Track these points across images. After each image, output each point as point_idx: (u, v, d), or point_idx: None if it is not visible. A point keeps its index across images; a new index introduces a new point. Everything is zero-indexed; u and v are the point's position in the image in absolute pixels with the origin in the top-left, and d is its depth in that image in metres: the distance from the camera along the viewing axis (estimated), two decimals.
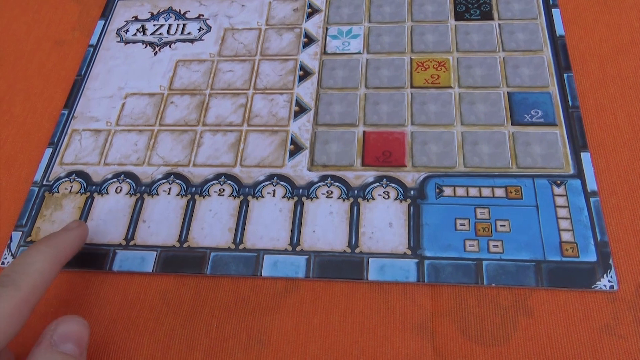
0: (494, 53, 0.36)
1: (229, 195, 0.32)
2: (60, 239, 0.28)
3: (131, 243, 0.31)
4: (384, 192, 0.31)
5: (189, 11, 0.41)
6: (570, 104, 0.33)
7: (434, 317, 0.28)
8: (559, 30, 0.36)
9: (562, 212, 0.29)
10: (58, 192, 0.34)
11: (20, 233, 0.33)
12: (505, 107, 0.33)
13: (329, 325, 0.28)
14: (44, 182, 0.35)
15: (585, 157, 0.31)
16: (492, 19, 0.37)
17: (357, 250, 0.30)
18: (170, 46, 0.40)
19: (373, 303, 0.29)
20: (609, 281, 0.27)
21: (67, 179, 0.34)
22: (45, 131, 0.37)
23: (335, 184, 0.32)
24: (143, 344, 0.29)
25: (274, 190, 0.32)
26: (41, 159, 0.36)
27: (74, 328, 0.24)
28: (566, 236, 0.29)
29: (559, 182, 0.30)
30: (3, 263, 0.32)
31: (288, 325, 0.28)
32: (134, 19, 0.42)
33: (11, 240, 0.32)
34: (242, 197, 0.32)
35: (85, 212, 0.33)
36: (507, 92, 0.34)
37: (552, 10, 0.37)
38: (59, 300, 0.31)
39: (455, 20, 0.37)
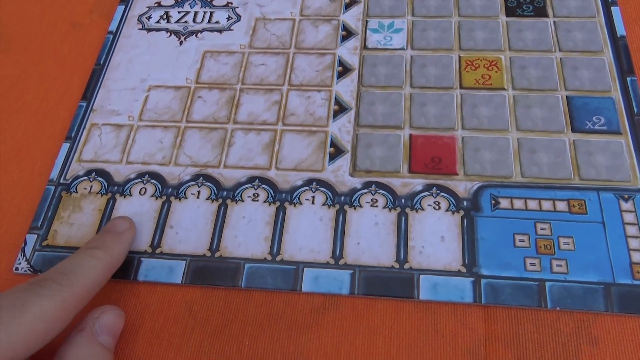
0: (549, 53, 0.33)
1: (264, 201, 0.30)
2: (116, 246, 0.27)
3: (157, 251, 0.29)
4: (434, 202, 0.29)
5: None
6: (635, 110, 0.30)
7: (487, 341, 0.26)
8: (620, 30, 0.33)
9: (632, 230, 0.27)
10: (77, 192, 0.31)
11: (36, 236, 0.30)
12: (564, 113, 0.31)
13: (372, 346, 0.26)
14: (61, 181, 0.32)
15: None
16: (546, 15, 0.34)
17: (406, 266, 0.27)
18: (196, 35, 0.37)
19: (421, 324, 0.26)
20: None
21: (86, 177, 0.32)
22: (61, 122, 0.34)
23: (380, 191, 0.29)
24: None
25: (313, 197, 0.30)
26: (57, 153, 0.33)
27: (114, 320, 0.25)
28: (637, 257, 0.26)
29: (626, 196, 0.28)
30: (17, 269, 0.29)
31: (328, 345, 0.26)
32: (156, 4, 0.39)
33: (25, 244, 0.30)
34: (278, 204, 0.30)
35: (106, 215, 0.30)
36: (566, 96, 0.31)
37: (612, 8, 0.34)
38: None
39: (507, 16, 0.35)
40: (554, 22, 0.34)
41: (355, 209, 0.29)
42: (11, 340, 0.21)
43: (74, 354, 0.23)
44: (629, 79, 0.31)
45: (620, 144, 0.29)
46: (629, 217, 0.27)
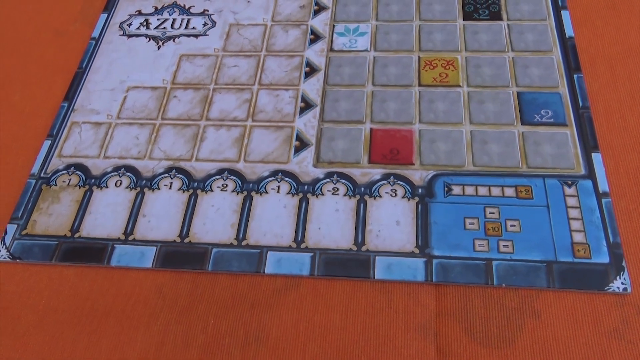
0: (502, 53, 0.35)
1: (232, 191, 0.32)
2: None
3: (130, 237, 0.31)
4: (391, 190, 0.31)
5: (194, 6, 0.41)
6: (580, 104, 0.32)
7: (438, 317, 0.27)
8: (569, 31, 0.36)
9: (574, 213, 0.29)
10: (56, 184, 0.33)
11: (16, 226, 0.32)
12: (514, 107, 0.33)
13: (329, 323, 0.27)
14: (42, 175, 0.34)
15: (596, 157, 0.30)
16: (500, 19, 0.37)
17: (363, 248, 0.29)
18: (174, 40, 0.39)
19: (375, 302, 0.28)
20: (622, 283, 0.26)
21: (65, 171, 0.34)
22: (44, 121, 0.36)
23: (342, 180, 0.31)
24: (136, 338, 0.28)
25: (278, 186, 0.31)
26: (39, 150, 0.35)
27: None
28: (578, 237, 0.28)
29: (570, 182, 0.30)
30: None
31: (287, 322, 0.28)
32: (137, 12, 0.41)
33: (6, 233, 0.31)
34: (245, 193, 0.31)
35: (83, 206, 0.32)
36: (517, 92, 0.33)
37: (562, 11, 0.36)
38: (50, 292, 0.29)
39: (464, 20, 0.37)
40: (508, 25, 0.36)
41: (317, 197, 0.31)
42: None
43: None
44: (575, 75, 0.34)
45: (565, 135, 0.31)
46: (571, 201, 0.29)
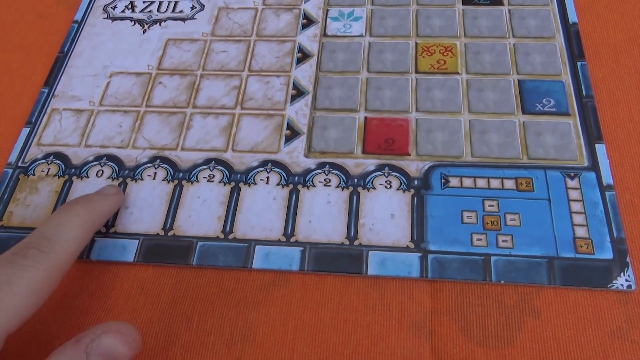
0: (503, 39, 0.34)
1: (219, 182, 0.30)
2: (99, 204, 0.27)
3: (111, 230, 0.29)
4: (385, 182, 0.29)
5: None
6: (584, 93, 0.31)
7: (433, 315, 0.26)
8: (572, 17, 0.34)
9: (576, 207, 0.27)
10: (34, 174, 0.31)
11: None
12: (515, 95, 0.31)
13: (319, 321, 0.26)
14: (19, 164, 0.32)
15: (600, 149, 0.29)
16: (501, 4, 0.35)
17: (356, 243, 0.27)
18: (160, 24, 0.37)
19: (368, 299, 0.26)
20: (626, 280, 0.25)
21: (44, 160, 0.32)
22: (23, 108, 0.35)
23: (334, 171, 0.30)
24: None
25: (267, 177, 0.30)
26: (17, 137, 0.33)
27: (116, 346, 0.21)
28: (580, 232, 0.27)
29: (572, 174, 0.28)
30: None
31: (275, 320, 0.26)
32: None
33: None
34: (233, 184, 0.30)
35: (62, 197, 0.30)
36: (518, 80, 0.32)
37: None
38: None
39: (463, 4, 0.36)
40: (509, 10, 0.35)
41: (308, 188, 0.29)
42: (2, 319, 0.20)
43: None
44: (579, 63, 0.32)
45: (568, 125, 0.30)
46: (574, 194, 0.28)
